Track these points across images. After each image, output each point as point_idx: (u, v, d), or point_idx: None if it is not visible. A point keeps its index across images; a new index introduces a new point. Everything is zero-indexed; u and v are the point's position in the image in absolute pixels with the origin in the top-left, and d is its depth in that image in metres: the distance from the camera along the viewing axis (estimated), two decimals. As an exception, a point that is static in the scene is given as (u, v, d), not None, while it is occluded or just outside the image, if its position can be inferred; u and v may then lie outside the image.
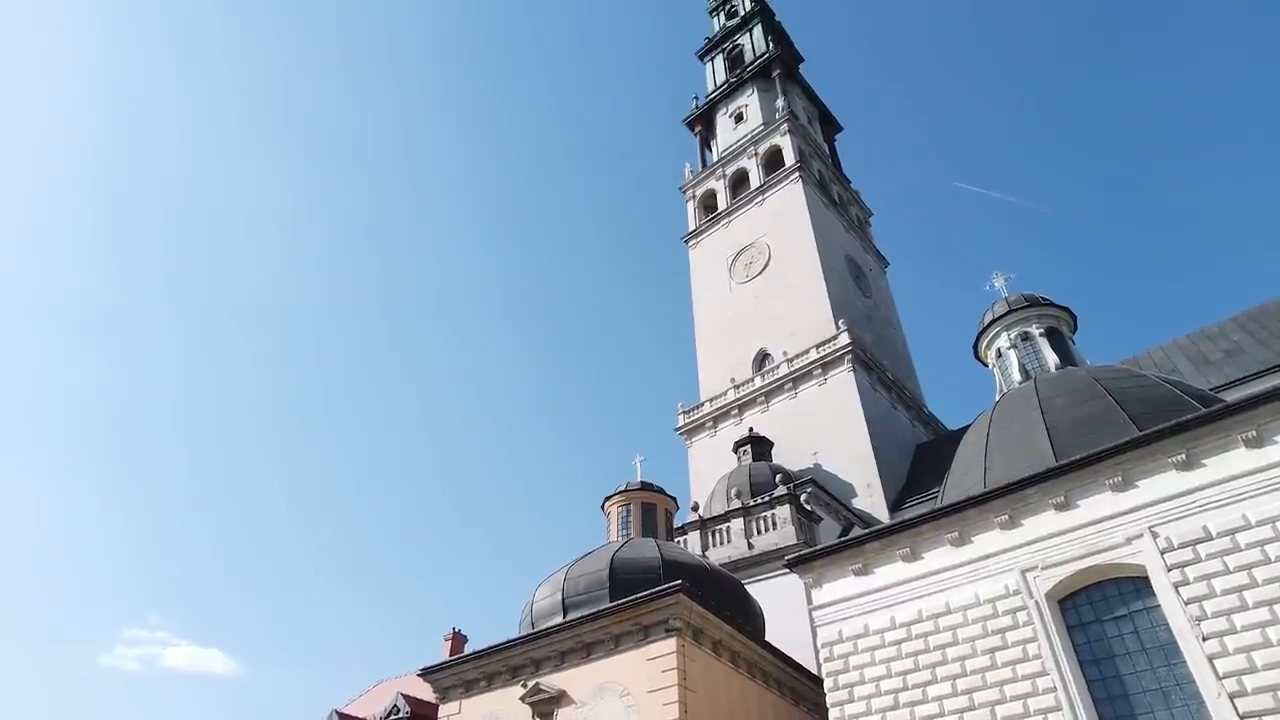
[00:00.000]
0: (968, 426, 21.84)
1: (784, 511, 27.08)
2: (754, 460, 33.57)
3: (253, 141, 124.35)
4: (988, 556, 15.59)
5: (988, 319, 23.04)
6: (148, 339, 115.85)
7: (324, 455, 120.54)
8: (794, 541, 25.85)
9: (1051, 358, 21.13)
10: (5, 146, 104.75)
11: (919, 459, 35.34)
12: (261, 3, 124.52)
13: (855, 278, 43.88)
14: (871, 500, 31.87)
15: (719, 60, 57.59)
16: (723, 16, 60.55)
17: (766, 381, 37.96)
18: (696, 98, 56.35)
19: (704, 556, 26.06)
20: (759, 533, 27.41)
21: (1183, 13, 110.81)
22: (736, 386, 39.15)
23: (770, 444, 34.83)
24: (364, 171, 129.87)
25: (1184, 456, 14.28)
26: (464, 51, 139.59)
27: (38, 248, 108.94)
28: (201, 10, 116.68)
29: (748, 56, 55.44)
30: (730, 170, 49.16)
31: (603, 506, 25.25)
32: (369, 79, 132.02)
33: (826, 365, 36.13)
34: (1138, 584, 14.17)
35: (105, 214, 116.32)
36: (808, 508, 28.06)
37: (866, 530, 19.09)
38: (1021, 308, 22.45)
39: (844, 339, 36.03)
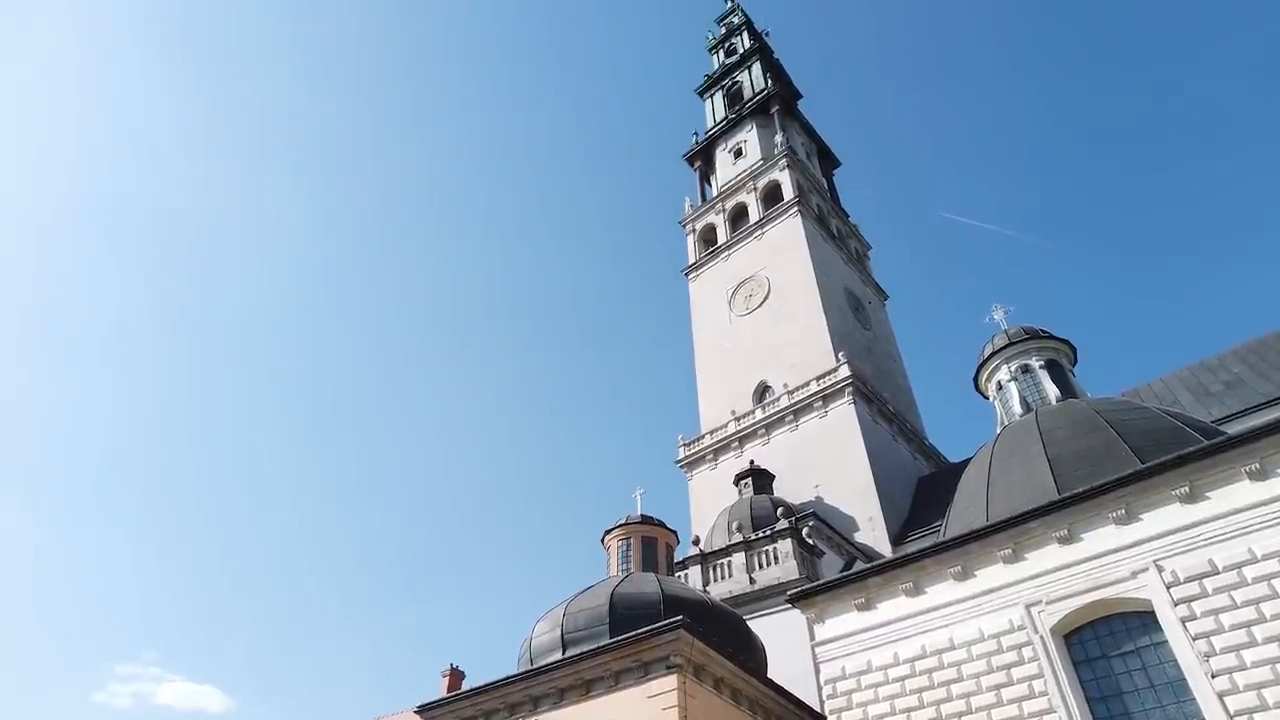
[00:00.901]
0: (969, 459, 21.77)
1: (786, 545, 26.85)
2: (755, 493, 33.38)
3: (262, 151, 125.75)
4: (991, 591, 15.43)
5: (987, 352, 23.09)
6: (152, 364, 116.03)
7: (322, 490, 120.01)
8: (796, 576, 25.58)
9: (1052, 390, 21.13)
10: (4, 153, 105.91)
11: (921, 492, 35.13)
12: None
13: (855, 310, 44.04)
14: (874, 534, 31.61)
15: (718, 97, 58.45)
16: (722, 54, 61.59)
17: (767, 414, 37.90)
18: (696, 134, 57.10)
19: (705, 591, 25.77)
20: (760, 567, 27.15)
21: (1179, 45, 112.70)
22: (737, 419, 39.09)
23: (771, 477, 34.66)
24: (366, 209, 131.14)
25: (1187, 489, 14.21)
26: (461, 92, 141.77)
27: (37, 264, 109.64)
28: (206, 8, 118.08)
29: (746, 93, 56.27)
30: (729, 204, 49.60)
31: (602, 540, 25.03)
32: (380, 100, 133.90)
33: (827, 397, 36.09)
34: (1144, 619, 14.01)
35: (105, 227, 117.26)
36: (809, 542, 27.82)
37: (869, 565, 18.93)
38: (1021, 340, 22.52)
39: (844, 371, 36.04)
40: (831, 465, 34.30)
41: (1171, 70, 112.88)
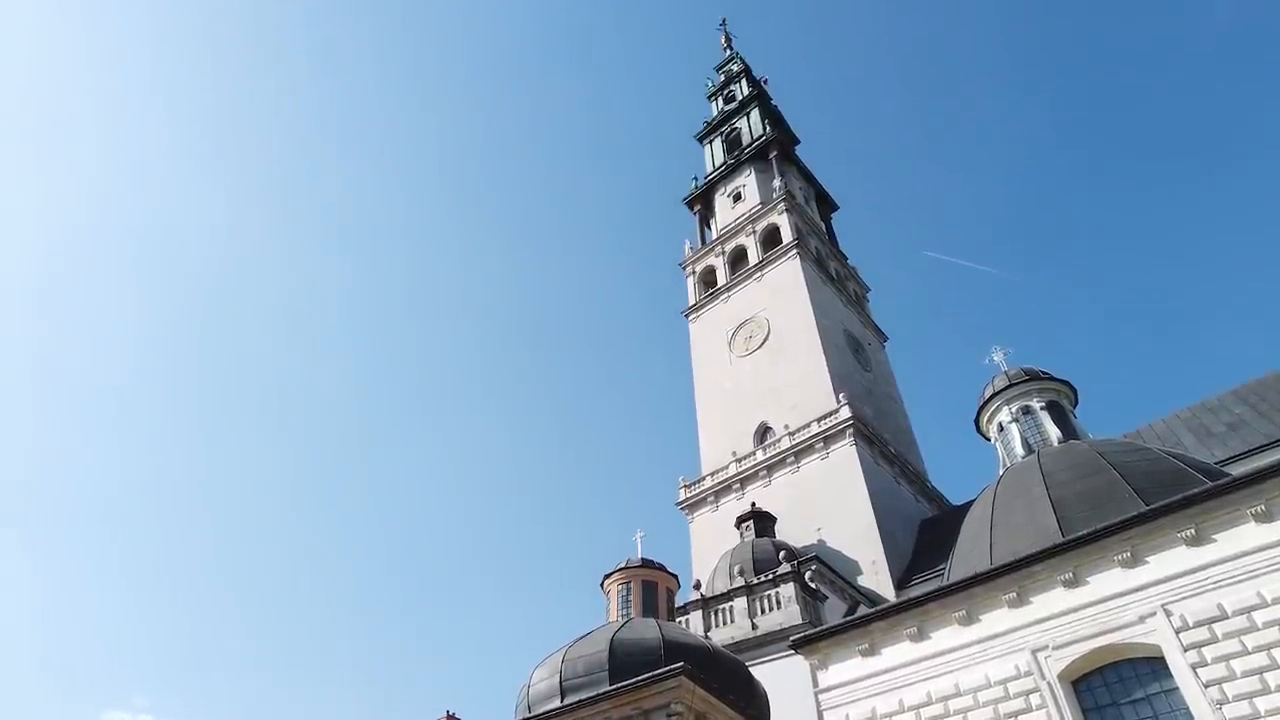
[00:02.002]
0: (972, 501, 21.62)
1: (788, 590, 26.52)
2: (757, 536, 33.06)
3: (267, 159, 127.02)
4: (997, 636, 15.19)
5: (988, 393, 23.09)
6: (145, 412, 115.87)
7: (315, 534, 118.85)
8: (799, 621, 25.21)
9: (1054, 431, 21.07)
10: None
11: (924, 534, 34.80)
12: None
13: (855, 352, 44.13)
14: (877, 578, 31.22)
15: (717, 143, 59.39)
16: (720, 101, 62.74)
17: (768, 455, 37.74)
18: (696, 178, 57.86)
19: (706, 637, 25.35)
20: (763, 612, 26.77)
21: (1176, 88, 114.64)
22: (738, 460, 38.90)
23: (773, 519, 34.37)
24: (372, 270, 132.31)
25: (1193, 531, 14.08)
26: (457, 135, 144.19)
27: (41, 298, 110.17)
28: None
29: (745, 139, 57.18)
30: (729, 247, 50.07)
31: (602, 584, 24.71)
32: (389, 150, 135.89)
33: (828, 439, 35.98)
34: (1154, 665, 13.76)
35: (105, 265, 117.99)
36: (812, 586, 27.47)
37: (872, 609, 18.67)
38: (1021, 382, 22.53)
39: (845, 412, 35.98)
40: (833, 507, 34.04)
41: (1168, 112, 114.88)
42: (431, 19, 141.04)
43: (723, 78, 64.54)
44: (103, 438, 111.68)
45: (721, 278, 49.08)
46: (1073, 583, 14.84)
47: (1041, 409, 21.82)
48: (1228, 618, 13.24)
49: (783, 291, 44.29)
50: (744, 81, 62.36)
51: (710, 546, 35.91)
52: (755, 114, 58.25)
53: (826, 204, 57.98)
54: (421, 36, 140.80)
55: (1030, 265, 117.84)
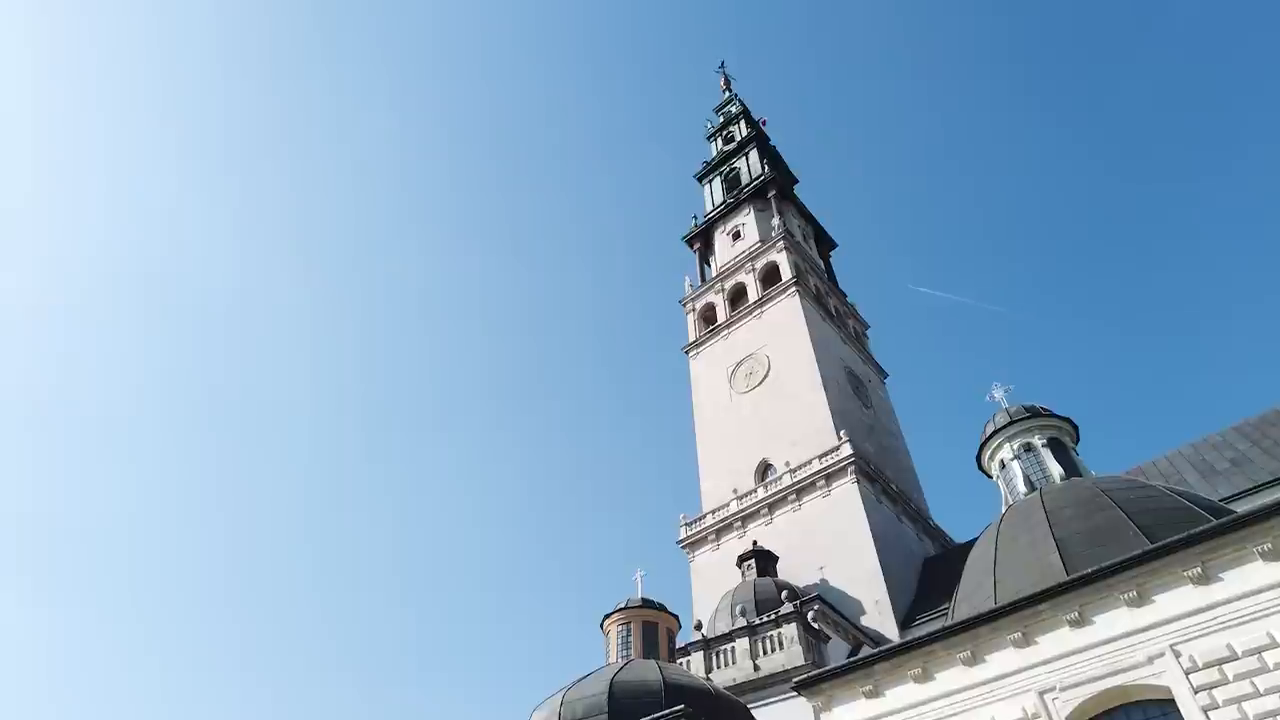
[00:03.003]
0: (975, 539, 21.41)
1: (791, 630, 26.13)
2: (758, 575, 32.66)
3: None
4: (1003, 676, 14.92)
5: (989, 430, 23.00)
6: (151, 429, 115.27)
7: (314, 567, 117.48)
8: (801, 662, 24.78)
9: (1056, 468, 20.93)
10: None
11: (927, 573, 34.36)
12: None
13: (855, 389, 44.07)
14: (880, 617, 30.76)
15: (717, 182, 60.02)
16: (720, 142, 63.59)
17: (770, 493, 37.45)
18: (695, 216, 58.37)
19: (708, 678, 24.93)
20: (765, 653, 26.34)
21: (1173, 120, 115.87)
22: (739, 497, 38.59)
23: (775, 558, 33.99)
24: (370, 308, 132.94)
25: (1200, 570, 13.90)
26: (467, 174, 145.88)
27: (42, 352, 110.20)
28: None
29: (744, 179, 57.81)
30: (729, 284, 50.31)
31: (602, 625, 24.40)
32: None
33: (830, 476, 35.73)
34: (1165, 707, 13.49)
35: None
36: (815, 626, 27.08)
37: (876, 650, 18.36)
38: (1022, 419, 22.45)
39: (846, 449, 35.80)
40: (836, 546, 33.67)
41: (1168, 151, 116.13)
42: (441, 62, 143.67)
43: (722, 119, 65.52)
44: (112, 469, 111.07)
45: (721, 315, 49.23)
46: (1079, 622, 14.61)
47: (1043, 446, 21.70)
48: (1238, 658, 13.01)
49: (782, 328, 44.39)
50: (743, 123, 63.27)
51: (711, 586, 35.46)
52: (754, 154, 58.98)
53: (825, 242, 58.39)
54: (429, 87, 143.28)
55: (1028, 301, 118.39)
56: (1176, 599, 14.00)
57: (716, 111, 67.23)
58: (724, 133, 63.86)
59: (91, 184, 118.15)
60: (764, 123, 63.87)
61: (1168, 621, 13.87)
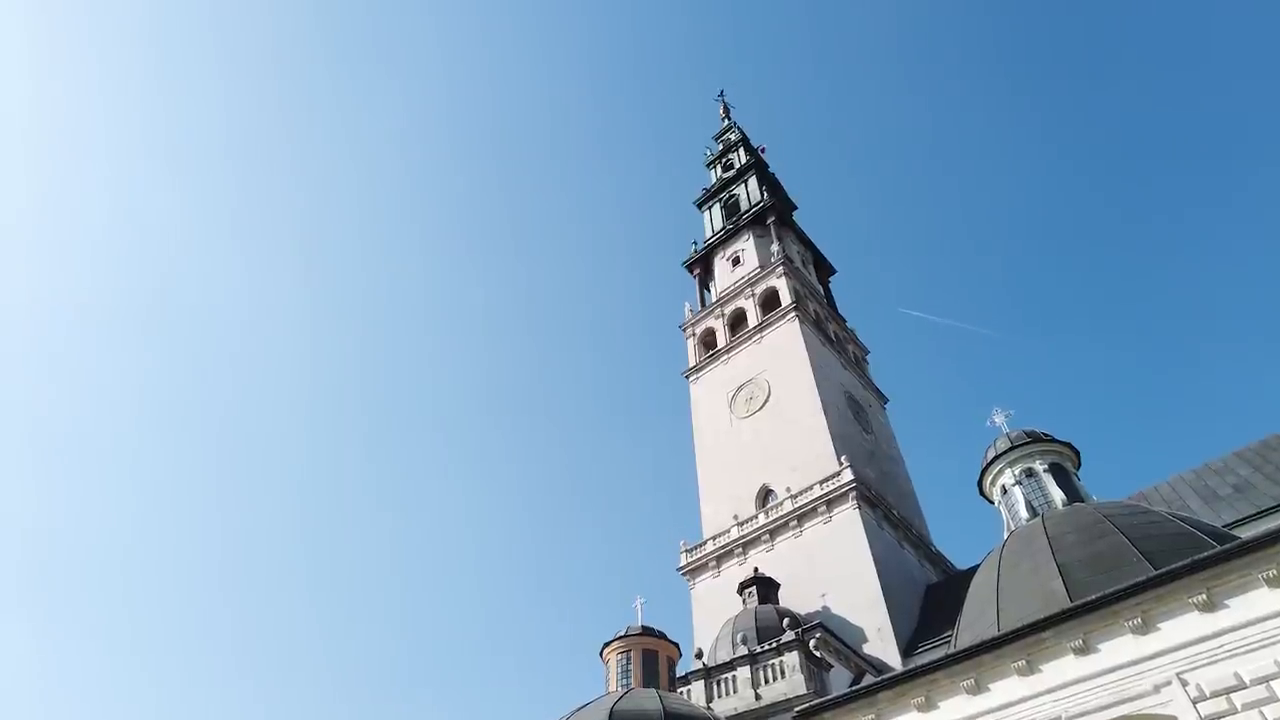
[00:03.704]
0: (977, 566, 21.27)
1: (792, 658, 25.84)
2: (760, 603, 32.39)
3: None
4: (1007, 705, 14.75)
5: (990, 456, 22.96)
6: (149, 456, 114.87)
7: (311, 586, 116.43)
8: (803, 691, 24.46)
9: (1057, 494, 20.86)
10: None
11: (930, 600, 34.08)
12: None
13: (856, 414, 44.01)
14: (883, 645, 30.45)
15: (716, 208, 60.42)
16: (719, 169, 64.13)
17: (771, 519, 37.25)
18: (695, 242, 58.67)
19: (709, 708, 24.62)
20: (766, 681, 26.02)
21: (1174, 146, 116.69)
22: (740, 524, 38.37)
23: (776, 585, 33.73)
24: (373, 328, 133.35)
25: (1205, 597, 13.79)
26: (473, 202, 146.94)
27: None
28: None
29: (743, 205, 58.20)
30: (729, 309, 50.45)
31: (601, 653, 24.16)
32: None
33: (831, 502, 35.57)
34: (1172, 737, 13.31)
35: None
36: (817, 654, 26.78)
37: (878, 678, 18.18)
38: (1023, 444, 22.42)
39: (847, 475, 35.68)
40: (837, 572, 33.42)
41: (1166, 174, 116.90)
42: (440, 89, 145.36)
43: (721, 146, 66.13)
44: (111, 499, 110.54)
45: (721, 339, 49.31)
46: (1084, 650, 14.47)
47: (1044, 471, 21.65)
48: (1246, 687, 12.87)
49: (782, 353, 44.44)
50: (742, 150, 63.85)
51: (712, 613, 35.13)
52: (753, 181, 59.43)
53: (824, 268, 58.66)
54: (431, 107, 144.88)
55: (1029, 326, 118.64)
56: (1182, 626, 13.89)
57: (716, 139, 67.90)
58: (723, 160, 64.42)
59: (90, 188, 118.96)
60: (763, 150, 64.50)
61: (1174, 649, 13.74)
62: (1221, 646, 13.40)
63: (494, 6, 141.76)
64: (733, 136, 66.10)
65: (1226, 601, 13.70)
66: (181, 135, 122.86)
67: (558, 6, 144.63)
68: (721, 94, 72.77)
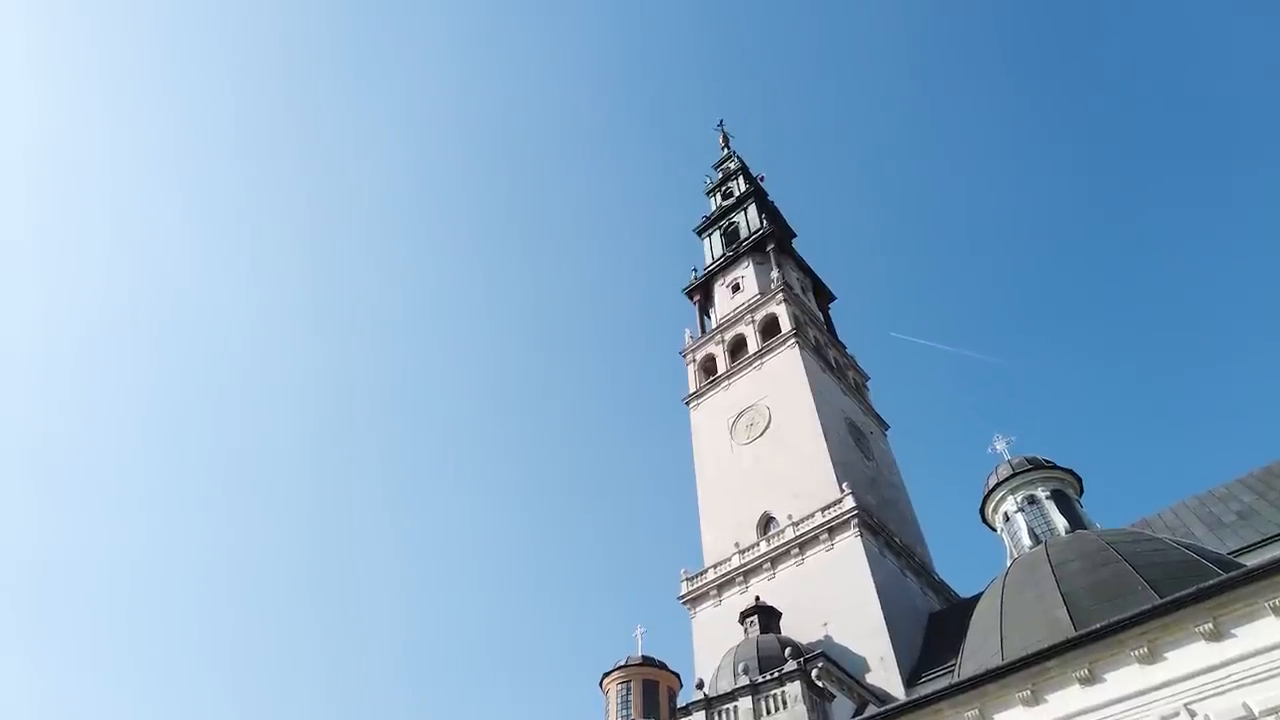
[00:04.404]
0: (981, 594, 21.09)
1: (795, 689, 25.50)
2: (762, 632, 32.04)
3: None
4: (1014, 737, 14.53)
5: (992, 483, 22.89)
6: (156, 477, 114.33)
7: (313, 605, 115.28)
8: (806, 722, 24.12)
9: (1060, 521, 20.75)
10: None
11: (933, 629, 33.71)
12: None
13: (856, 440, 43.90)
14: (886, 674, 30.05)
15: (716, 236, 60.80)
16: (719, 197, 64.62)
17: (772, 547, 36.99)
18: (695, 269, 58.95)
19: (710, 740, 24.24)
20: (768, 712, 25.63)
21: (1176, 168, 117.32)
22: (741, 552, 38.09)
23: (778, 614, 33.40)
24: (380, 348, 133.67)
25: (1211, 626, 13.65)
26: (487, 232, 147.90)
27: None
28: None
29: (743, 233, 58.57)
30: (729, 336, 50.55)
31: (601, 683, 23.87)
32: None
33: (833, 529, 35.34)
34: (1182, 771, 13.10)
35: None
36: (819, 684, 26.45)
37: (882, 709, 17.95)
38: (1025, 471, 22.36)
39: (849, 502, 35.48)
40: (840, 601, 33.12)
41: (1165, 195, 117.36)
42: (438, 110, 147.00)
43: (720, 175, 66.70)
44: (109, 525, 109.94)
45: (722, 366, 49.35)
46: (1089, 680, 14.30)
47: (1047, 498, 21.57)
48: (1255, 718, 12.68)
49: (783, 379, 44.44)
50: (741, 178, 64.39)
51: (713, 642, 34.71)
52: (753, 209, 59.86)
53: (823, 295, 58.86)
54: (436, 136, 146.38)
55: (1029, 352, 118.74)
56: (1189, 656, 13.73)
57: (715, 168, 68.50)
58: (723, 188, 64.93)
59: (95, 190, 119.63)
60: (762, 179, 65.07)
61: (1181, 680, 13.59)
62: (1229, 676, 13.24)
63: (502, 10, 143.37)
64: (732, 165, 66.69)
65: (1234, 631, 13.57)
66: (187, 136, 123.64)
67: (569, 28, 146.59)
68: (721, 123, 73.67)
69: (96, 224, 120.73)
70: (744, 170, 65.51)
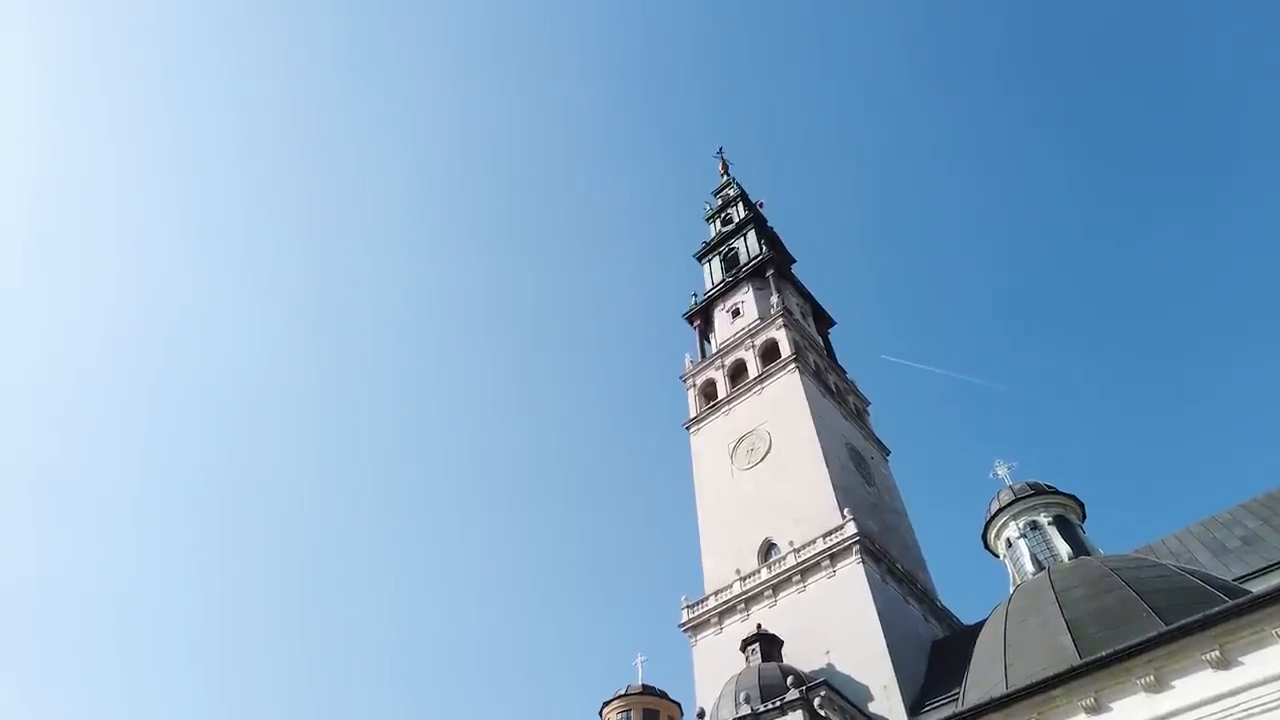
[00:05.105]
0: (984, 621, 20.87)
1: (797, 718, 25.19)
2: (763, 660, 31.67)
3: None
4: (1020, 767, 14.30)
5: (994, 508, 22.76)
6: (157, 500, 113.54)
7: (308, 645, 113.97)
8: (809, 753, 23.77)
9: (1063, 547, 20.60)
10: None
11: (936, 656, 33.32)
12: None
13: (858, 465, 43.71)
14: (889, 703, 29.67)
15: (715, 261, 61.05)
16: (719, 224, 64.97)
17: (773, 574, 36.66)
18: (695, 294, 59.12)
19: (711, 771, 23.88)
20: (771, 742, 25.29)
21: (1179, 190, 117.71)
22: (742, 579, 37.75)
23: (780, 642, 33.02)
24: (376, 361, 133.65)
25: (1218, 653, 13.50)
26: (494, 256, 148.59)
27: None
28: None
29: (742, 258, 58.82)
30: (729, 361, 50.54)
31: (600, 712, 23.55)
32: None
33: (834, 556, 35.06)
34: (1191, 802, 12.87)
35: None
36: (822, 713, 26.12)
37: (886, 739, 17.66)
38: (1027, 496, 22.24)
39: (850, 528, 35.25)
40: (842, 629, 32.77)
41: (1168, 221, 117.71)
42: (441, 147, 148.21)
43: (720, 201, 67.12)
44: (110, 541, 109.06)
45: (722, 390, 49.28)
46: (1095, 709, 14.12)
47: (1049, 524, 21.44)
48: (1264, 749, 12.50)
49: (783, 405, 44.35)
50: (740, 204, 64.78)
51: (714, 671, 34.29)
52: (752, 235, 60.17)
53: (823, 320, 58.96)
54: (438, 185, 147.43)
55: (1030, 377, 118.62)
56: (1196, 684, 13.57)
57: (715, 194, 68.94)
58: (722, 214, 65.29)
59: (95, 193, 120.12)
60: (761, 205, 65.45)
61: (1189, 709, 13.43)
62: (1237, 705, 13.07)
63: (504, 13, 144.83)
64: (731, 191, 67.12)
65: (1241, 659, 13.42)
66: (189, 140, 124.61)
67: (571, 37, 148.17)
68: (720, 151, 74.26)
69: (97, 225, 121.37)
70: (743, 196, 65.94)
